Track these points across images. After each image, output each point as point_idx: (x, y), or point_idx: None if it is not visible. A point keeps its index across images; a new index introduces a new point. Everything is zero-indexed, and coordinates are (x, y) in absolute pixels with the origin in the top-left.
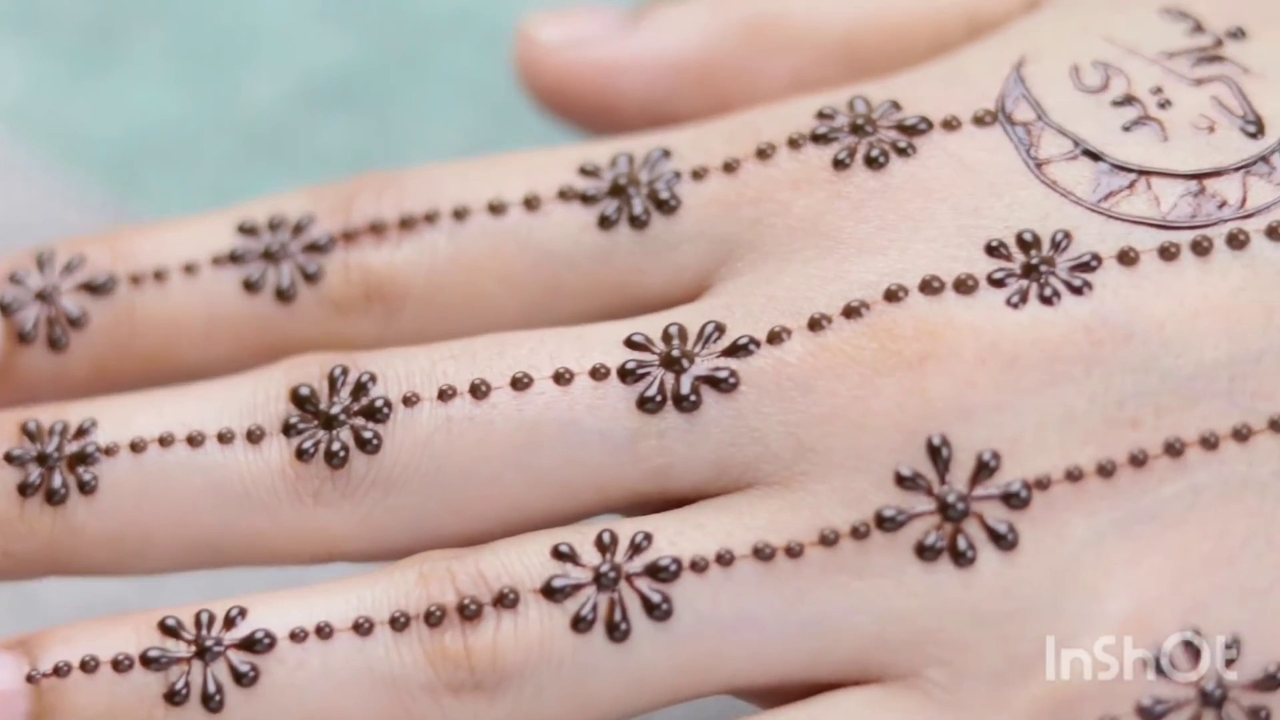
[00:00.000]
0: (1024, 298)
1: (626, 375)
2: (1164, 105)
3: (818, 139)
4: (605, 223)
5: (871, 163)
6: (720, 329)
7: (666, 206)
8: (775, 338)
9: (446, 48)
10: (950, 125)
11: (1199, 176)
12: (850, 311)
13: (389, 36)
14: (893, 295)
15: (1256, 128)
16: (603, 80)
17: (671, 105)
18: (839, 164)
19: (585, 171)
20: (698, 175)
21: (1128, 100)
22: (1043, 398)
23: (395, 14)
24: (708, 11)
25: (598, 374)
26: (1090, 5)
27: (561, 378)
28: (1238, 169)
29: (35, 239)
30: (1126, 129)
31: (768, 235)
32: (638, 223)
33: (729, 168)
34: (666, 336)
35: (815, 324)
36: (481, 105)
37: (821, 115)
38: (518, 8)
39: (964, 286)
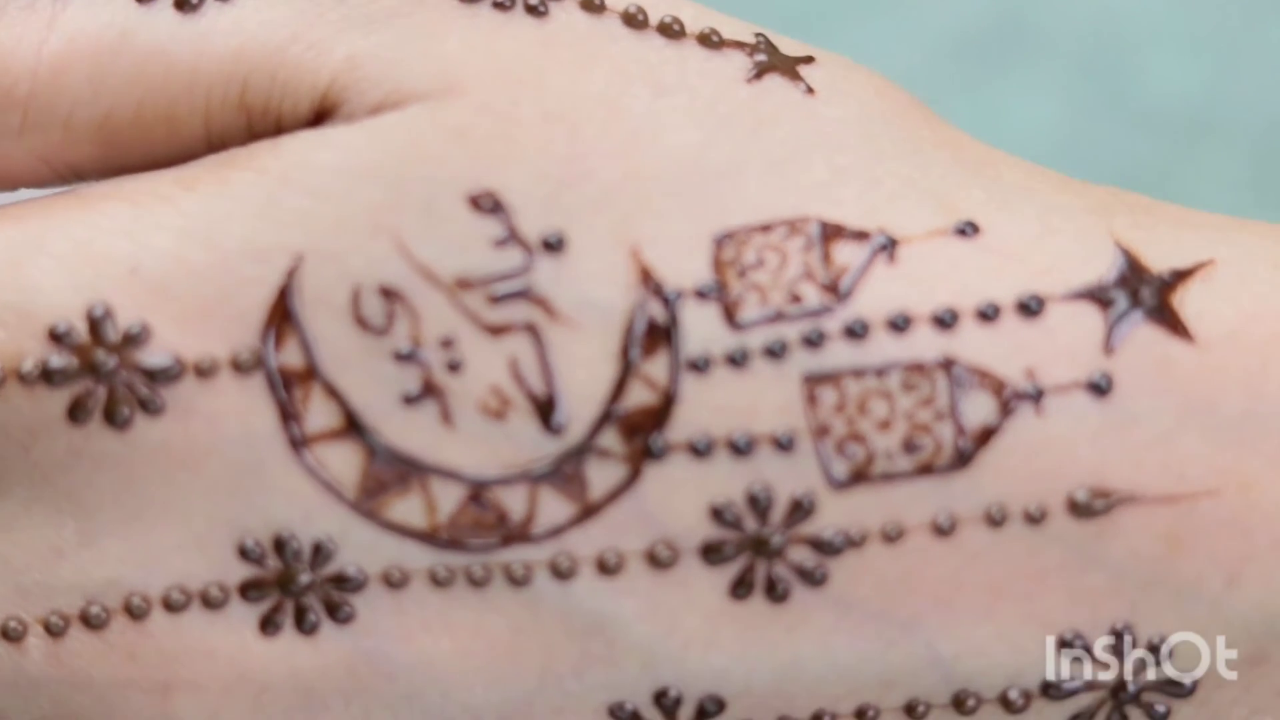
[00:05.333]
0: (279, 623)
1: None
2: (453, 368)
3: (49, 376)
4: None
5: (112, 416)
6: None
7: None
8: (12, 634)
9: None
10: (204, 372)
11: (479, 484)
12: (88, 621)
13: None
14: (133, 610)
15: (552, 411)
16: None
17: None
18: (75, 414)
19: None
20: None
21: (412, 355)
22: None
23: None
24: None
25: None
26: (398, 175)
27: None
28: (524, 479)
29: None
30: (409, 401)
31: (7, 472)
32: None
33: None
34: None
35: (51, 628)
36: None
37: (54, 337)
38: None
39: (212, 601)
